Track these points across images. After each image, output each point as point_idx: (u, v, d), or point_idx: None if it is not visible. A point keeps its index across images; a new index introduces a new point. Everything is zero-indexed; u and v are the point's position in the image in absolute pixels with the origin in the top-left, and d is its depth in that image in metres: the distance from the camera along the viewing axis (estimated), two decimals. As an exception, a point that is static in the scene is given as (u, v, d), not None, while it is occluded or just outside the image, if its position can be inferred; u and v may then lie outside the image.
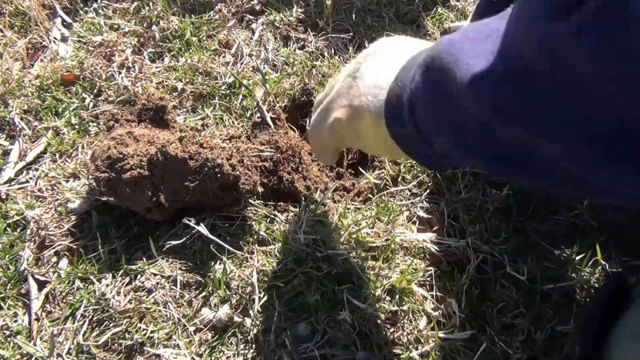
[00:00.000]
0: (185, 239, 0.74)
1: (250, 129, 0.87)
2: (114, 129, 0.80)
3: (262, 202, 0.79)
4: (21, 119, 0.91)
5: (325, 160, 0.66)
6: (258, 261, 0.72)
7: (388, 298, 0.71)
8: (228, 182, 0.73)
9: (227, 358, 0.65)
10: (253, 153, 0.78)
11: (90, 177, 0.74)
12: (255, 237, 0.76)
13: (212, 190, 0.73)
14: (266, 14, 1.11)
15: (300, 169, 0.83)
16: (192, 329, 0.67)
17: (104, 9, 1.11)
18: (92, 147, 0.83)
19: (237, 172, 0.73)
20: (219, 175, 0.72)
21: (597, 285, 0.75)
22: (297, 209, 0.80)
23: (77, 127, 0.91)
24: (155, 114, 0.84)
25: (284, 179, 0.80)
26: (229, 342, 0.67)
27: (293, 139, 0.85)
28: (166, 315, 0.68)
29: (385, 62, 0.54)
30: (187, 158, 0.72)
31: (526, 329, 0.69)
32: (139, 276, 0.72)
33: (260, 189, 0.76)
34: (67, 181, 0.83)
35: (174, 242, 0.73)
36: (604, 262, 0.74)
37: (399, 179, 0.85)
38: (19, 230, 0.78)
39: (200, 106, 0.94)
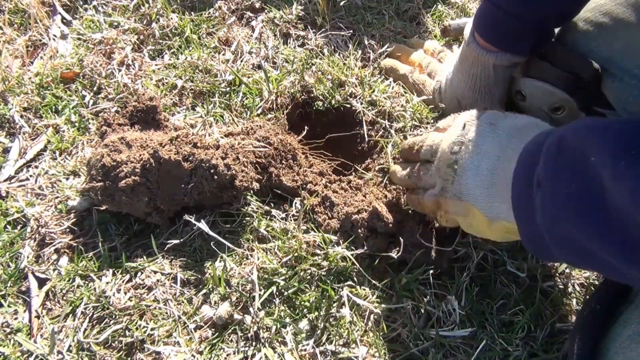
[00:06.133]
0: (185, 236, 0.74)
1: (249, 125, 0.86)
2: (107, 135, 0.80)
3: (258, 198, 0.79)
4: (21, 116, 0.91)
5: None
6: (258, 258, 0.72)
7: (388, 295, 0.71)
8: (225, 181, 0.73)
9: (227, 355, 0.65)
10: (248, 149, 0.78)
11: (86, 185, 0.75)
12: (255, 234, 0.76)
13: (209, 190, 0.73)
14: (266, 11, 1.11)
15: (291, 166, 0.83)
16: (192, 326, 0.67)
17: (104, 7, 1.11)
18: (87, 157, 0.83)
19: (233, 171, 0.73)
20: (215, 176, 0.72)
21: (597, 283, 0.75)
22: (296, 207, 0.80)
23: (77, 124, 0.91)
24: (146, 114, 0.84)
25: (273, 174, 0.80)
26: (229, 339, 0.67)
27: (286, 136, 0.85)
28: (166, 313, 0.69)
29: (484, 157, 0.58)
30: (181, 160, 0.72)
31: (526, 326, 0.69)
32: (139, 274, 0.72)
33: (257, 185, 0.76)
34: (67, 179, 0.83)
35: (174, 240, 0.73)
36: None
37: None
38: (19, 227, 0.78)
39: (200, 104, 0.93)
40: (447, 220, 0.65)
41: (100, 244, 0.73)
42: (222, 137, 0.83)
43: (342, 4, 1.11)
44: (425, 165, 0.68)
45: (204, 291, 0.70)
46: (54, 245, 0.75)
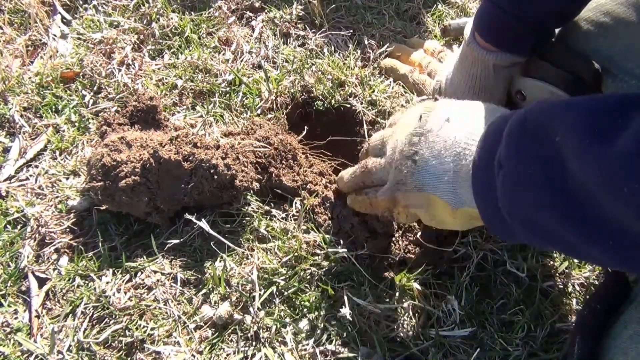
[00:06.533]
0: (185, 236, 0.74)
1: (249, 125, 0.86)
2: (107, 135, 0.80)
3: (258, 198, 0.79)
4: (21, 116, 0.91)
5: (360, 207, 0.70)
6: (258, 258, 0.72)
7: (388, 295, 0.71)
8: (225, 181, 0.73)
9: (227, 355, 0.65)
10: (248, 149, 0.78)
11: (86, 185, 0.74)
12: (255, 234, 0.76)
13: (209, 190, 0.73)
14: (266, 11, 1.11)
15: (291, 166, 0.83)
16: (192, 326, 0.67)
17: (104, 6, 1.11)
18: (87, 157, 0.83)
19: (233, 171, 0.73)
20: (215, 176, 0.72)
21: (597, 283, 0.75)
22: (296, 207, 0.80)
23: (77, 124, 0.91)
24: (146, 114, 0.84)
25: (273, 174, 0.80)
26: (229, 339, 0.67)
27: (287, 136, 0.85)
28: (166, 313, 0.69)
29: (443, 141, 0.56)
30: (181, 160, 0.72)
31: (526, 326, 0.69)
32: (139, 273, 0.72)
33: (257, 185, 0.76)
34: (67, 178, 0.83)
35: (174, 240, 0.73)
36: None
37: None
38: (19, 227, 0.78)
39: (200, 103, 0.93)
40: (407, 215, 0.62)
41: (100, 244, 0.73)
42: (222, 137, 0.83)
43: (342, 4, 1.11)
44: (376, 160, 0.65)
45: (204, 291, 0.70)
46: (54, 245, 0.75)
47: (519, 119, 0.47)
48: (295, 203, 0.80)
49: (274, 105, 0.92)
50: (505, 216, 0.48)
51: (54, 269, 0.73)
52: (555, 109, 0.44)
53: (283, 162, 0.82)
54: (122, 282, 0.71)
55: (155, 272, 0.72)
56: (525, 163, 0.44)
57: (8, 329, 0.68)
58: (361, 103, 0.92)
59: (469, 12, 1.14)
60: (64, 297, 0.71)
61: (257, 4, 1.12)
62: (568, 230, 0.42)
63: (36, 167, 0.86)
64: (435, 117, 0.59)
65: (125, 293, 0.70)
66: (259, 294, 0.69)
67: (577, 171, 0.40)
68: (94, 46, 1.02)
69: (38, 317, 0.69)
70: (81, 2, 1.13)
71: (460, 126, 0.56)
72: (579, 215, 0.41)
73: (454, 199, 0.55)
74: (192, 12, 1.09)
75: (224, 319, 0.67)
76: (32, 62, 1.02)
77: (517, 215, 0.47)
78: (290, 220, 0.78)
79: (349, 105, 0.93)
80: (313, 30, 1.06)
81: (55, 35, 1.06)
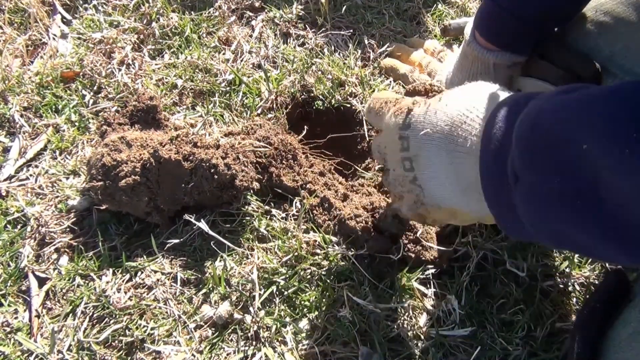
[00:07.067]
0: (185, 236, 0.75)
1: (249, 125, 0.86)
2: (107, 135, 0.80)
3: (258, 198, 0.79)
4: (21, 116, 0.91)
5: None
6: (258, 258, 0.72)
7: (388, 295, 0.71)
8: (225, 180, 0.73)
9: (227, 355, 0.65)
10: (248, 149, 0.78)
11: (86, 185, 0.74)
12: (255, 234, 0.76)
13: (209, 190, 0.73)
14: (266, 10, 1.11)
15: (291, 165, 0.83)
16: (192, 325, 0.67)
17: (104, 6, 1.11)
18: (88, 157, 0.83)
19: (233, 171, 0.73)
20: (215, 175, 0.72)
21: (597, 282, 0.75)
22: (296, 206, 0.80)
23: (77, 124, 0.91)
24: (146, 114, 0.84)
25: (273, 174, 0.80)
26: (229, 338, 0.67)
27: (287, 136, 0.85)
28: (166, 312, 0.69)
29: (437, 169, 0.53)
30: (181, 160, 0.72)
31: (526, 326, 0.69)
32: (139, 273, 0.72)
33: (257, 185, 0.76)
34: (67, 178, 0.83)
35: (174, 240, 0.73)
36: (604, 259, 0.74)
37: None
38: (19, 227, 0.78)
39: (200, 103, 0.93)
40: (439, 224, 0.65)
41: (100, 244, 0.73)
42: (222, 137, 0.83)
43: (343, 8, 1.11)
44: (386, 172, 0.62)
45: (204, 291, 0.70)
46: (54, 245, 0.75)
47: (530, 121, 0.42)
48: (295, 203, 0.80)
49: (274, 105, 0.92)
50: (528, 228, 0.45)
51: (54, 269, 0.73)
52: (568, 113, 0.39)
53: (283, 161, 0.82)
54: (122, 281, 0.71)
55: (155, 271, 0.72)
56: (546, 176, 0.40)
57: (8, 329, 0.68)
58: (361, 103, 0.92)
59: (469, 12, 1.14)
60: (64, 297, 0.71)
61: (257, 4, 1.12)
62: (604, 244, 0.38)
63: (36, 166, 0.86)
64: (413, 138, 0.55)
65: (126, 293, 0.70)
66: (259, 294, 0.69)
67: (619, 183, 0.35)
68: (94, 46, 1.02)
69: (38, 316, 0.69)
70: (81, 2, 1.13)
71: (442, 143, 0.52)
72: (618, 231, 0.37)
73: (475, 211, 0.53)
74: (192, 12, 1.09)
75: (224, 319, 0.67)
76: (32, 62, 1.02)
77: (544, 229, 0.43)
78: (290, 220, 0.78)
79: (349, 105, 0.93)
80: (313, 30, 1.06)
81: (55, 35, 1.06)
